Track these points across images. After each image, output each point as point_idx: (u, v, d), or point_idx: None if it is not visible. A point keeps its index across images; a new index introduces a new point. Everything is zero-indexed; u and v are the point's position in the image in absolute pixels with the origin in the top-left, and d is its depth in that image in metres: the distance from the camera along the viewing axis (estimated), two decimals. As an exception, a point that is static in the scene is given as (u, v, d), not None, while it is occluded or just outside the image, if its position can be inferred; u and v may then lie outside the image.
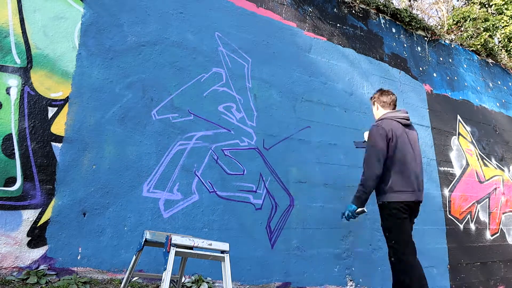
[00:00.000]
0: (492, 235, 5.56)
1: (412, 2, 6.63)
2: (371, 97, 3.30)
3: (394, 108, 3.16)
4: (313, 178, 3.90)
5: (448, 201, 5.04)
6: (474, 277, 5.05)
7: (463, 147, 5.54)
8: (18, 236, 2.52)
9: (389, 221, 2.91)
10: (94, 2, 3.03)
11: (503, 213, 5.90)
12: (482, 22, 7.12)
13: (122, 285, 2.34)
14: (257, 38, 3.83)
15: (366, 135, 3.24)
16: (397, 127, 2.96)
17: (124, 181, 2.93)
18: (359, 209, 2.96)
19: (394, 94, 3.19)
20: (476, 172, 5.63)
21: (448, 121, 5.46)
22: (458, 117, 5.64)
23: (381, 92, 3.20)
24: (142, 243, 2.18)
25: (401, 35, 5.32)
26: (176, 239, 1.97)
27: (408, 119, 3.06)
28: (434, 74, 5.53)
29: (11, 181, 2.54)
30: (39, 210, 2.60)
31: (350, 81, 4.46)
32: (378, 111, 3.18)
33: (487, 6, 8.59)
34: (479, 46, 6.32)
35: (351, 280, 3.91)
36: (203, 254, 2.15)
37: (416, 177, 2.95)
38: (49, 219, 2.63)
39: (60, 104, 2.78)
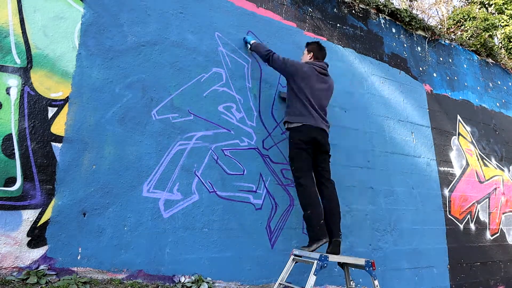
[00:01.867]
0: (492, 235, 5.56)
1: (412, 2, 6.63)
2: (308, 44, 3.68)
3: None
4: (313, 178, 3.89)
5: (448, 201, 5.04)
6: (474, 277, 5.05)
7: (463, 147, 5.54)
8: (18, 236, 2.52)
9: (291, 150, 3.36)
10: (94, 2, 3.03)
11: (503, 213, 5.90)
12: (482, 21, 7.12)
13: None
14: (257, 38, 3.83)
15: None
16: (313, 71, 3.46)
17: (124, 181, 2.93)
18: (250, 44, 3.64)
19: (325, 50, 3.69)
20: (476, 172, 5.63)
21: (448, 121, 5.46)
22: (458, 117, 5.64)
23: (320, 46, 3.65)
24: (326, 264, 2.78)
25: (401, 35, 5.32)
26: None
27: (325, 69, 3.57)
28: (434, 74, 5.53)
29: (11, 181, 2.54)
30: (39, 210, 2.60)
31: (350, 81, 4.46)
32: (306, 56, 3.64)
33: (487, 5, 8.59)
34: (479, 46, 6.33)
35: (351, 280, 3.91)
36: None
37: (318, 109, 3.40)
38: (49, 219, 2.63)
39: (60, 104, 2.78)
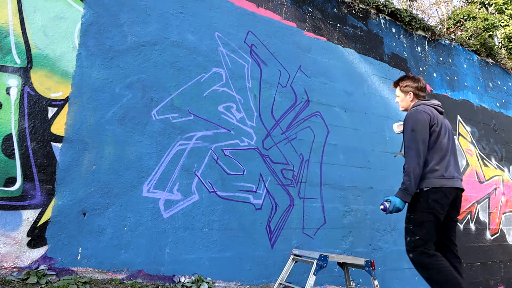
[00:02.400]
0: (492, 235, 5.56)
1: (412, 2, 6.63)
2: (397, 83, 2.92)
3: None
4: (313, 178, 3.90)
5: (448, 201, 5.04)
6: (474, 277, 5.05)
7: (463, 147, 5.54)
8: (18, 236, 2.52)
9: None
10: (94, 2, 3.03)
11: (503, 213, 5.90)
12: (482, 21, 7.12)
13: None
14: (257, 38, 3.83)
15: (396, 127, 3.03)
16: (437, 114, 2.70)
17: (124, 181, 2.93)
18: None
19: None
20: (476, 172, 5.63)
21: (448, 121, 5.45)
22: (458, 117, 5.64)
23: (413, 78, 2.86)
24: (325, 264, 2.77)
25: (401, 35, 5.32)
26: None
27: (442, 107, 2.83)
28: (434, 74, 5.53)
29: (11, 181, 2.54)
30: (39, 210, 2.60)
31: (350, 81, 4.46)
32: (410, 99, 2.84)
33: (487, 5, 8.59)
34: (479, 46, 6.32)
35: (351, 280, 3.91)
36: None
37: (455, 165, 2.71)
38: (49, 219, 2.63)
39: (60, 104, 2.78)
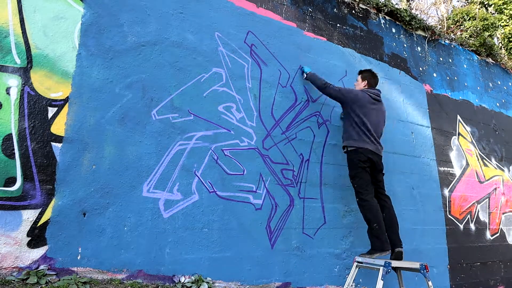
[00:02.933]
0: (492, 235, 5.56)
1: (410, 2, 6.64)
2: (362, 71, 4.00)
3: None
4: (313, 178, 3.90)
5: (448, 201, 5.04)
6: (474, 277, 5.05)
7: (463, 147, 5.54)
8: (18, 236, 2.52)
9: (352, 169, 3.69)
10: (94, 2, 3.03)
11: (503, 213, 5.90)
12: (482, 21, 7.12)
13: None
14: (257, 38, 3.83)
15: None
16: (368, 98, 3.77)
17: (124, 181, 2.93)
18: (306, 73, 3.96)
19: (377, 78, 4.00)
20: (476, 172, 5.63)
21: (448, 121, 5.46)
22: (458, 117, 5.64)
23: (373, 74, 3.96)
24: (390, 269, 3.13)
25: (401, 35, 5.32)
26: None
27: (378, 96, 3.85)
28: (434, 74, 5.53)
29: (11, 181, 2.54)
30: (39, 210, 2.60)
31: (350, 81, 4.45)
32: (361, 84, 3.94)
33: (486, 5, 8.59)
34: (479, 46, 6.33)
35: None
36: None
37: (374, 133, 3.70)
38: (49, 219, 2.63)
39: (60, 104, 2.78)
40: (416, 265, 3.26)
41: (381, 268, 3.12)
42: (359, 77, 3.98)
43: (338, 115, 4.25)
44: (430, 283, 3.24)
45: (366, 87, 3.89)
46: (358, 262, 3.44)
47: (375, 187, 3.72)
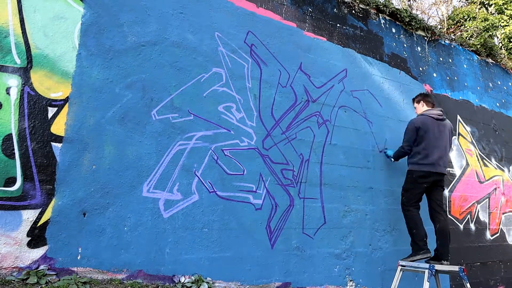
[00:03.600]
0: (492, 235, 5.56)
1: (411, 2, 6.63)
2: (416, 97, 4.36)
3: (433, 107, 4.23)
4: (313, 178, 3.90)
5: (448, 201, 5.04)
6: (474, 277, 5.05)
7: (463, 147, 5.54)
8: (18, 236, 2.52)
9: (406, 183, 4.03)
10: (94, 2, 3.03)
11: (503, 213, 5.90)
12: (482, 21, 7.12)
13: None
14: (257, 38, 3.83)
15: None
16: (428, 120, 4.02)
17: (124, 181, 2.93)
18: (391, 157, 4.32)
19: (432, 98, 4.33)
20: (476, 172, 5.63)
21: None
22: (458, 117, 5.64)
23: (426, 94, 4.32)
24: (434, 271, 3.48)
25: (401, 35, 5.32)
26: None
27: (441, 115, 4.07)
28: (434, 74, 5.53)
29: (11, 181, 2.54)
30: (39, 210, 2.60)
31: (350, 81, 4.46)
32: (421, 107, 4.25)
33: (487, 6, 8.59)
34: (479, 46, 6.32)
35: (351, 280, 3.91)
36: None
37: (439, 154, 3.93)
38: (49, 219, 2.63)
39: (60, 104, 2.78)
40: (456, 268, 3.57)
41: (427, 271, 3.42)
42: (415, 104, 4.31)
43: (339, 115, 4.25)
44: (468, 285, 3.51)
45: (425, 108, 4.16)
46: (402, 265, 3.66)
47: (433, 200, 4.04)
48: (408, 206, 3.93)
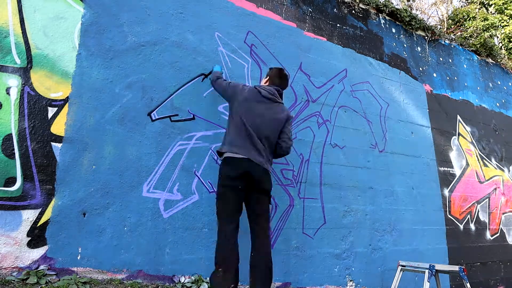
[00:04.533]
0: (492, 235, 5.56)
1: (411, 2, 6.63)
2: (270, 68, 3.24)
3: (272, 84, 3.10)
4: (313, 178, 3.90)
5: (448, 201, 5.04)
6: (474, 277, 5.05)
7: (463, 147, 5.54)
8: (18, 236, 2.52)
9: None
10: (94, 2, 3.03)
11: (503, 213, 5.90)
12: (482, 21, 7.12)
13: None
14: (257, 38, 3.83)
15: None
16: (256, 94, 2.97)
17: (124, 181, 2.93)
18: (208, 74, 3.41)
19: (285, 79, 3.17)
20: (476, 172, 5.63)
21: (448, 121, 5.46)
22: (458, 117, 5.64)
23: (280, 73, 3.15)
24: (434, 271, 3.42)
25: (401, 35, 5.32)
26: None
27: (273, 95, 2.99)
28: (434, 74, 5.53)
29: (11, 181, 2.54)
30: (39, 210, 2.60)
31: (350, 81, 4.46)
32: (263, 81, 3.20)
33: (487, 6, 8.59)
34: (479, 46, 6.32)
35: (351, 280, 3.91)
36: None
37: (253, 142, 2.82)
38: (49, 219, 2.63)
39: (60, 104, 2.78)
40: (456, 268, 3.52)
41: (427, 271, 3.44)
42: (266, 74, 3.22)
43: (339, 115, 4.25)
44: (468, 285, 3.48)
45: (267, 84, 3.10)
46: (402, 266, 3.68)
47: (249, 213, 2.86)
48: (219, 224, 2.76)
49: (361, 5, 4.88)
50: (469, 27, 6.66)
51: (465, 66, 6.11)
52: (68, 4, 2.91)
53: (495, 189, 5.88)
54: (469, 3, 8.96)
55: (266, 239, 2.80)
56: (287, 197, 3.69)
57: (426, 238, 4.61)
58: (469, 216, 5.30)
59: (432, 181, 4.94)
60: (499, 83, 6.65)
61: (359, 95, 4.50)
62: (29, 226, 2.55)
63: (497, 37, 7.89)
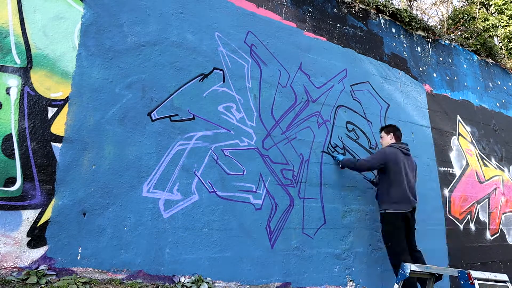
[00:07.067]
0: (492, 235, 5.56)
1: (411, 2, 6.63)
2: (384, 127, 4.12)
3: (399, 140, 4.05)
4: (313, 178, 3.90)
5: (448, 201, 5.04)
6: (474, 277, 5.04)
7: (463, 147, 5.54)
8: (18, 236, 2.52)
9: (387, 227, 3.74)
10: (94, 2, 3.03)
11: (503, 213, 5.90)
12: (482, 21, 7.12)
13: None
14: (257, 38, 3.83)
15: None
16: (398, 153, 3.83)
17: (124, 181, 2.93)
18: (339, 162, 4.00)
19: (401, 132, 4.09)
20: (476, 172, 5.63)
21: (448, 121, 5.46)
22: (458, 117, 5.64)
23: (396, 128, 4.07)
24: (408, 273, 3.04)
25: (401, 35, 5.32)
26: (476, 273, 2.85)
27: (407, 150, 3.94)
28: (434, 74, 5.53)
29: (11, 181, 2.54)
30: (39, 210, 2.60)
31: (350, 82, 4.46)
32: (387, 138, 4.03)
33: (487, 6, 8.59)
34: (479, 46, 6.32)
35: (351, 280, 3.91)
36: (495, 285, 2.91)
37: (410, 189, 3.79)
38: (49, 219, 2.63)
39: (60, 104, 2.78)
40: (455, 271, 3.48)
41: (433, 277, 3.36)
42: (383, 133, 4.07)
43: (339, 115, 4.24)
44: None
45: (393, 140, 3.98)
46: (412, 270, 3.65)
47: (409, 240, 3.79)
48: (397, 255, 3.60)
49: (361, 5, 4.88)
50: (469, 27, 6.66)
51: (465, 66, 6.11)
52: (68, 4, 2.92)
53: (495, 189, 5.88)
54: (469, 3, 8.95)
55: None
56: (287, 197, 3.69)
57: (426, 238, 4.60)
58: (469, 216, 5.30)
59: (432, 181, 4.94)
60: (499, 83, 6.65)
61: (359, 95, 4.50)
62: (29, 226, 2.55)
63: (497, 37, 7.89)
